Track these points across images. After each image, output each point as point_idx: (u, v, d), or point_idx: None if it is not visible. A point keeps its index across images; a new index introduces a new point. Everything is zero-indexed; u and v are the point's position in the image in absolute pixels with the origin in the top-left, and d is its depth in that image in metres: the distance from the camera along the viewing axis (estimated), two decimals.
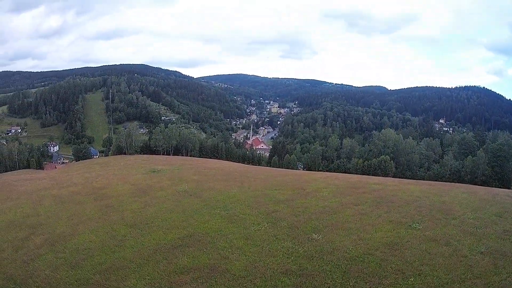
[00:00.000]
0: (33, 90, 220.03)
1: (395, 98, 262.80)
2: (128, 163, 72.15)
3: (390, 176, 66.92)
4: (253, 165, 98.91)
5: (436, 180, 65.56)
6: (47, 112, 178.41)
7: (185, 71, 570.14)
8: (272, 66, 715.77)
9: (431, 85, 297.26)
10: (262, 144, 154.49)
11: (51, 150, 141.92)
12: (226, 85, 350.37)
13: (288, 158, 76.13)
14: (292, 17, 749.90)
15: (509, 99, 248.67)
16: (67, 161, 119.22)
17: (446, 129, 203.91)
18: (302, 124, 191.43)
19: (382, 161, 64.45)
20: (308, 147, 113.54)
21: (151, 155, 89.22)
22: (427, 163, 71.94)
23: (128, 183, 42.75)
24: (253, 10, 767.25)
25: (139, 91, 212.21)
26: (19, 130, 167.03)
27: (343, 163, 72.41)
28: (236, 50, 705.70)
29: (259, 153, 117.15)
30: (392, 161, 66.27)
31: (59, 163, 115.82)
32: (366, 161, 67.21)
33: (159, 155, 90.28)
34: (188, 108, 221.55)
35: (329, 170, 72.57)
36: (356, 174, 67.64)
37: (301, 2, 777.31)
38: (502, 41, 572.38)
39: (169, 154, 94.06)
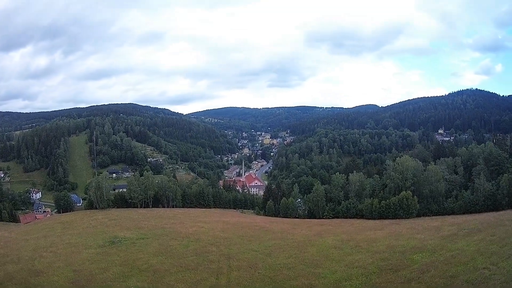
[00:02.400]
0: (17, 132, 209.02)
1: (389, 114, 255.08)
2: (92, 224, 60.38)
3: (413, 216, 54.80)
4: (245, 209, 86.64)
5: (468, 211, 54.88)
6: (29, 156, 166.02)
7: (174, 108, 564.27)
8: (261, 96, 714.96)
9: (424, 96, 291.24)
10: (256, 181, 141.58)
11: (34, 197, 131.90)
12: (216, 120, 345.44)
13: (285, 202, 63.23)
14: (278, 44, 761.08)
15: (503, 96, 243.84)
16: (48, 210, 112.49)
17: (447, 138, 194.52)
18: (297, 154, 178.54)
19: (404, 199, 52.01)
20: (305, 181, 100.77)
21: (124, 210, 76.78)
22: (454, 190, 59.59)
23: (71, 266, 33.71)
24: (240, 42, 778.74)
25: (124, 132, 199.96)
26: (2, 175, 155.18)
27: (353, 204, 59.51)
28: (225, 83, 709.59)
29: (253, 193, 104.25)
30: (414, 196, 53.79)
31: (40, 212, 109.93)
32: (383, 201, 54.54)
33: (135, 209, 77.47)
34: (176, 147, 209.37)
35: (337, 215, 60.38)
36: (373, 218, 56.50)
37: (286, 27, 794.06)
38: (488, 38, 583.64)
39: (147, 206, 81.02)
